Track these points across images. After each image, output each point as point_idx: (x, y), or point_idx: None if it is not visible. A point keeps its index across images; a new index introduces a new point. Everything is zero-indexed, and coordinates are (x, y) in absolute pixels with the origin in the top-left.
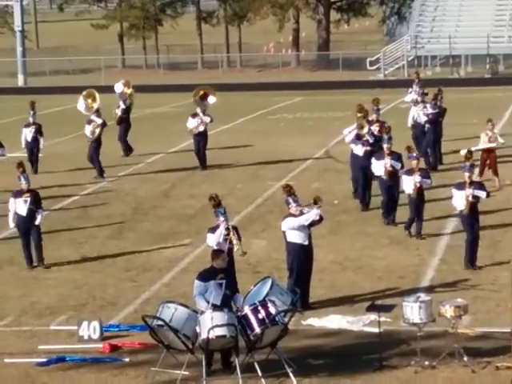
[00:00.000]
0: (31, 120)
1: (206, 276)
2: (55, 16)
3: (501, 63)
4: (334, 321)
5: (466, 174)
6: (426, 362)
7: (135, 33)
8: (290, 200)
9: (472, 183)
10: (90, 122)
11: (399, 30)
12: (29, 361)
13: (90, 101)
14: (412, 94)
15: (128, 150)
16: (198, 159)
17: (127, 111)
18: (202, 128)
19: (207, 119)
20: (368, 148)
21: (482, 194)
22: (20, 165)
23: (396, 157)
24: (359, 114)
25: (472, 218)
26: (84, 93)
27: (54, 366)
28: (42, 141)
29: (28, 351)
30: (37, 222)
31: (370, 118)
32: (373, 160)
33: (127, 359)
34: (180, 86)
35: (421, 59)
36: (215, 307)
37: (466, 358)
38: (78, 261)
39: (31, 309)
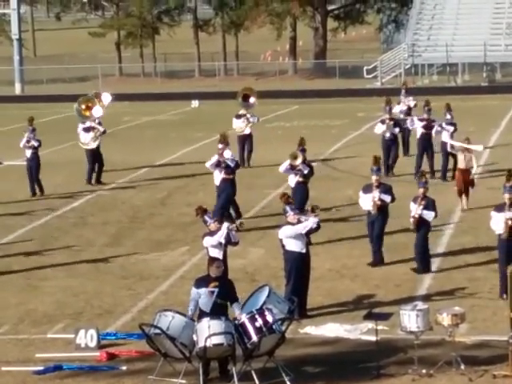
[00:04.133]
0: None
1: (199, 283)
2: (52, 24)
3: (498, 71)
4: (331, 329)
5: (507, 196)
6: (424, 371)
7: (132, 41)
8: (288, 208)
9: None
10: (89, 129)
11: (396, 38)
12: (26, 369)
13: (84, 107)
14: (401, 105)
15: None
16: (241, 159)
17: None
18: (248, 130)
19: (254, 119)
20: (301, 179)
21: None
22: None
23: (385, 189)
24: (220, 146)
25: (510, 241)
26: (80, 99)
27: (51, 374)
28: None
29: (25, 359)
30: None
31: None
32: (360, 193)
33: (124, 367)
34: (177, 94)
35: (418, 67)
36: (211, 315)
37: (463, 367)
38: (75, 268)
39: (28, 317)
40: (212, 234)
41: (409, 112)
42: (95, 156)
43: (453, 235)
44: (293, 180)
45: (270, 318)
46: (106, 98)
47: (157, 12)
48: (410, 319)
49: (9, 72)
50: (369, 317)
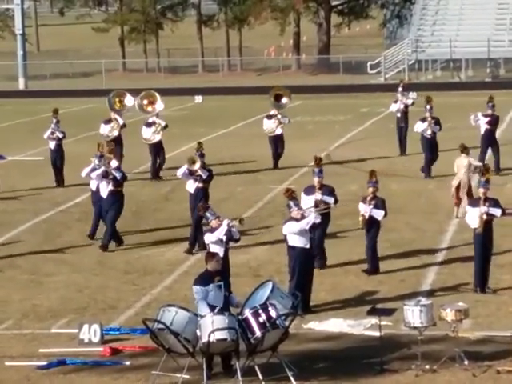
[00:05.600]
0: None
1: (204, 280)
2: (56, 19)
3: (501, 67)
4: (334, 324)
5: (481, 190)
6: (427, 366)
7: (136, 36)
8: (292, 204)
9: (487, 200)
10: (151, 124)
11: (400, 34)
12: (30, 364)
13: (146, 102)
14: (398, 104)
15: None
16: (274, 160)
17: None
18: (279, 131)
19: (285, 120)
20: (200, 185)
21: (497, 212)
22: None
23: (328, 191)
24: (102, 154)
25: (485, 236)
26: (142, 94)
27: (54, 369)
28: None
29: (29, 354)
30: None
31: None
32: (302, 195)
33: (128, 362)
34: (180, 90)
35: (421, 63)
36: (218, 310)
37: (466, 362)
38: (79, 264)
39: (32, 312)
40: (213, 230)
41: (406, 110)
42: (157, 150)
43: (456, 231)
44: (192, 186)
45: (273, 314)
46: (130, 100)
47: (160, 7)
48: (413, 315)
49: (12, 67)
50: (372, 312)
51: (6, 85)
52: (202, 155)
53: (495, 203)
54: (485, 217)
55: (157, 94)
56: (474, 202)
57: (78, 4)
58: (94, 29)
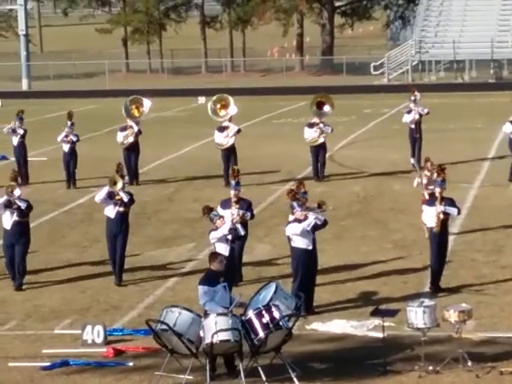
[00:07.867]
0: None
1: (211, 280)
2: (59, 20)
3: (505, 68)
4: (338, 325)
5: (438, 190)
6: (430, 367)
7: (139, 37)
8: (295, 205)
9: (443, 199)
10: (223, 128)
11: (403, 35)
12: (33, 365)
13: (218, 106)
14: (412, 114)
15: (136, 178)
16: (315, 171)
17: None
18: (322, 139)
19: (328, 129)
20: (121, 209)
21: (453, 211)
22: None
23: (245, 205)
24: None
25: (441, 235)
26: (214, 98)
27: (57, 370)
28: None
29: (32, 355)
30: None
31: None
32: (218, 209)
33: (131, 363)
34: (184, 91)
35: (425, 64)
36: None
37: (470, 363)
38: (82, 264)
39: (35, 313)
40: (218, 229)
41: (420, 120)
42: (229, 155)
43: (458, 232)
44: (112, 211)
45: (276, 315)
46: (147, 103)
47: (164, 8)
48: (416, 316)
49: (16, 68)
50: (375, 313)
51: (9, 85)
52: (122, 177)
53: (451, 202)
54: (441, 216)
55: (230, 98)
56: (430, 201)
57: (82, 5)
58: (98, 29)
